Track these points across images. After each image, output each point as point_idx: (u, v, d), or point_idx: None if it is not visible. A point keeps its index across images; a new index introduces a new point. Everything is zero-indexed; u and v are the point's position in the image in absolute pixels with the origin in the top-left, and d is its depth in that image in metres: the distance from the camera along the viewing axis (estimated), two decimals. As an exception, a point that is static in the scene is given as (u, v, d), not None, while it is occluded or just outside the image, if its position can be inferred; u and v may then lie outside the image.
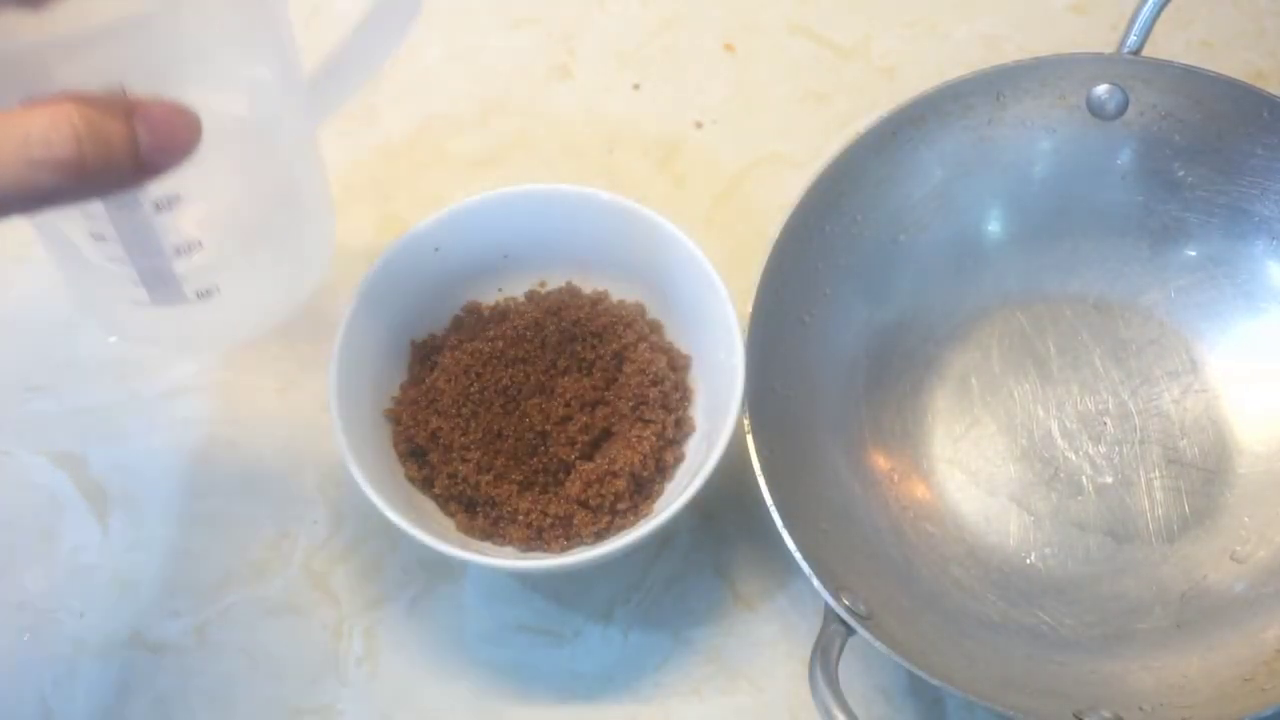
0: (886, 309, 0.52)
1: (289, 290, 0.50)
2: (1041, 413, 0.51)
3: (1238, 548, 0.48)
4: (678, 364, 0.50)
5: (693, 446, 0.49)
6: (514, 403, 0.49)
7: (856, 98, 0.59)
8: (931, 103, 0.51)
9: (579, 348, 0.50)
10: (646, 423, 0.48)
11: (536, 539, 0.47)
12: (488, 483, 0.47)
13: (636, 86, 0.60)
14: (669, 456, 0.48)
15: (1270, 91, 0.49)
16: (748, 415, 0.45)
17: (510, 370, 0.49)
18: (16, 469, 0.52)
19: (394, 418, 0.49)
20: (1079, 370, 0.52)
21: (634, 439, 0.48)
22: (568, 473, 0.48)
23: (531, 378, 0.49)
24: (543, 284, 0.52)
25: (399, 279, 0.49)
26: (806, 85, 0.60)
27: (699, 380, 0.50)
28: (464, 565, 0.49)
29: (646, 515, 0.47)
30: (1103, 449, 0.50)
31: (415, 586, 0.50)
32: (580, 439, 0.48)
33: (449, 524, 0.48)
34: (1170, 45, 0.58)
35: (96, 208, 0.41)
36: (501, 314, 0.51)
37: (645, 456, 0.47)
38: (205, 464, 0.52)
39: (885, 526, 0.49)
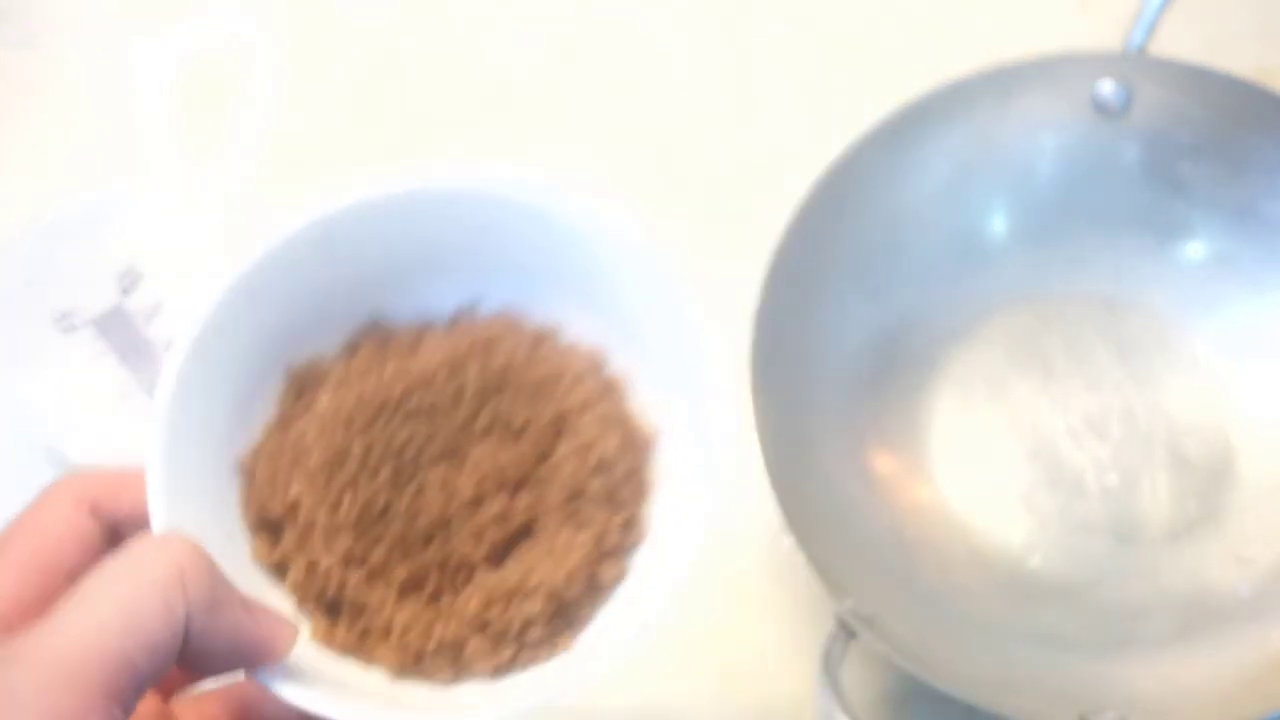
0: (889, 308, 0.52)
1: None
2: (1046, 412, 0.51)
3: (1243, 550, 0.48)
4: (635, 443, 0.37)
5: (641, 559, 0.36)
6: (408, 472, 0.35)
7: (857, 97, 0.59)
8: (934, 101, 0.51)
9: (506, 404, 0.36)
10: (581, 525, 0.35)
11: (413, 665, 0.35)
12: (357, 581, 0.35)
13: (636, 86, 0.60)
14: (607, 573, 0.36)
15: (1276, 89, 0.49)
16: (751, 415, 0.45)
17: (409, 425, 0.36)
18: (16, 469, 0.52)
19: (247, 471, 0.36)
20: (1084, 369, 0.51)
21: (560, 545, 0.35)
22: (468, 578, 0.35)
23: (437, 439, 0.36)
24: (474, 307, 0.38)
25: (281, 283, 0.36)
26: (807, 84, 0.59)
27: (669, 460, 0.37)
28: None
29: (564, 650, 0.35)
30: (1107, 449, 0.50)
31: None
32: (491, 533, 0.35)
33: (304, 627, 0.35)
34: (1176, 43, 0.57)
35: None
36: (412, 343, 0.37)
37: (573, 571, 0.35)
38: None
39: (888, 528, 0.48)
